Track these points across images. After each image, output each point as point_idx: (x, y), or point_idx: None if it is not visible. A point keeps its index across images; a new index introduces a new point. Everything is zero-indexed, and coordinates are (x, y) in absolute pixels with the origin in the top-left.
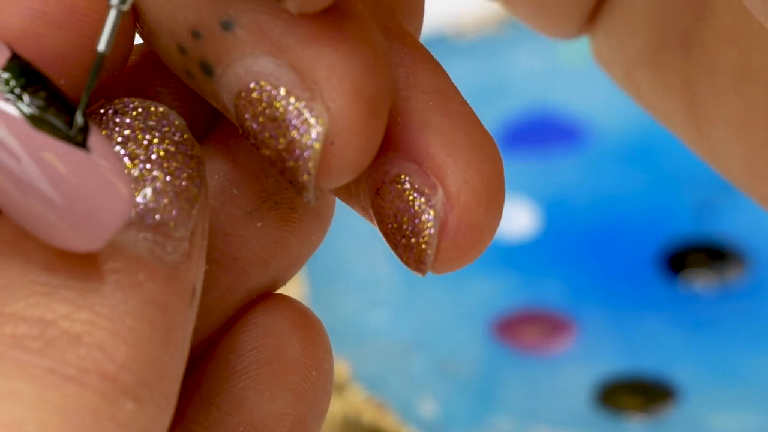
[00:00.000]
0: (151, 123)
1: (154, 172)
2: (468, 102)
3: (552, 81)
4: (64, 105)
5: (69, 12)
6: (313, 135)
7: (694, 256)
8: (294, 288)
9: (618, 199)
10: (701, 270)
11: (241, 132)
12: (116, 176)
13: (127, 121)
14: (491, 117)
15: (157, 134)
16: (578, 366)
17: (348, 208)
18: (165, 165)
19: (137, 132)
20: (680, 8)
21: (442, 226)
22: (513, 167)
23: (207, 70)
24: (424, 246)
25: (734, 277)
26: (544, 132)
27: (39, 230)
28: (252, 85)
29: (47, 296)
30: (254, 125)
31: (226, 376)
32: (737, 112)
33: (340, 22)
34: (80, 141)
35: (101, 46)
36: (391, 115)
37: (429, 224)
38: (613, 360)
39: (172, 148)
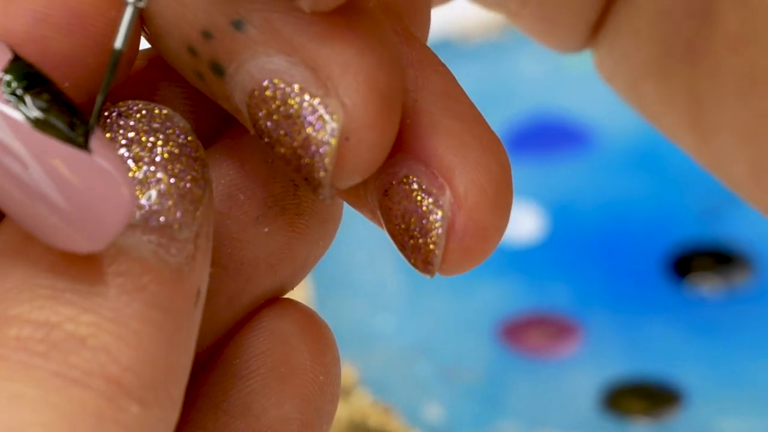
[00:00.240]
0: (155, 125)
1: (158, 175)
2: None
3: (557, 85)
4: (66, 107)
5: (73, 15)
6: (329, 131)
7: (700, 260)
8: (300, 293)
9: (624, 203)
10: (707, 274)
11: (253, 132)
12: (118, 177)
13: (131, 123)
14: (496, 121)
15: (161, 136)
16: (584, 370)
17: (353, 213)
18: (169, 167)
19: (141, 134)
20: (684, 18)
21: (449, 226)
22: (518, 171)
23: (218, 70)
24: (431, 246)
25: (740, 281)
26: (549, 136)
27: (41, 232)
28: (265, 83)
29: (52, 299)
30: (268, 123)
31: (233, 381)
32: (742, 121)
33: (353, 19)
34: (82, 143)
35: (118, 43)
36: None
37: (437, 224)
38: (619, 364)
39: (176, 150)
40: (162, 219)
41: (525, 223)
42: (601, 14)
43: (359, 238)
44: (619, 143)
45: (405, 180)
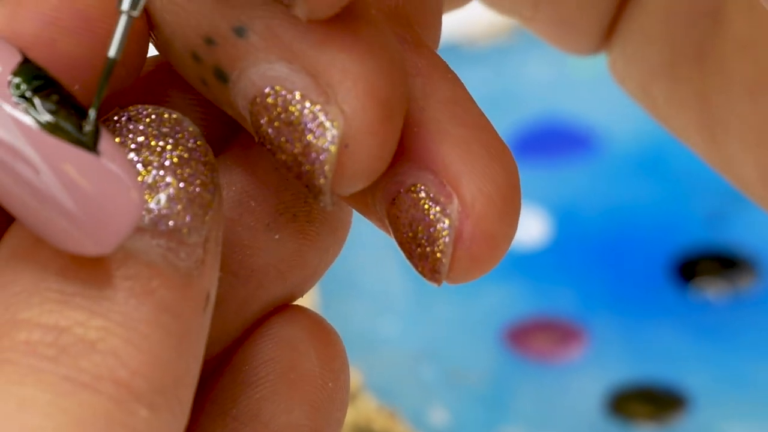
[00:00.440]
0: (165, 129)
1: (168, 179)
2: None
3: (563, 90)
4: (75, 109)
5: (82, 18)
6: (329, 138)
7: (706, 264)
8: (306, 298)
9: (629, 208)
10: (712, 278)
11: (257, 139)
12: (127, 181)
13: (141, 127)
14: (502, 125)
15: (170, 141)
16: (589, 374)
17: (359, 218)
18: (178, 171)
19: (151, 139)
20: (693, 20)
21: (457, 235)
22: (524, 176)
23: (221, 76)
24: (439, 255)
25: (745, 285)
26: (555, 141)
27: (49, 234)
28: (267, 90)
29: (61, 303)
30: (270, 130)
31: (242, 387)
32: (752, 123)
33: (354, 26)
34: (91, 145)
35: (112, 51)
36: (407, 124)
37: (444, 233)
38: (624, 368)
39: (186, 155)
40: (171, 223)
41: (530, 228)
42: (614, 17)
43: (364, 243)
44: (624, 148)
45: (413, 188)
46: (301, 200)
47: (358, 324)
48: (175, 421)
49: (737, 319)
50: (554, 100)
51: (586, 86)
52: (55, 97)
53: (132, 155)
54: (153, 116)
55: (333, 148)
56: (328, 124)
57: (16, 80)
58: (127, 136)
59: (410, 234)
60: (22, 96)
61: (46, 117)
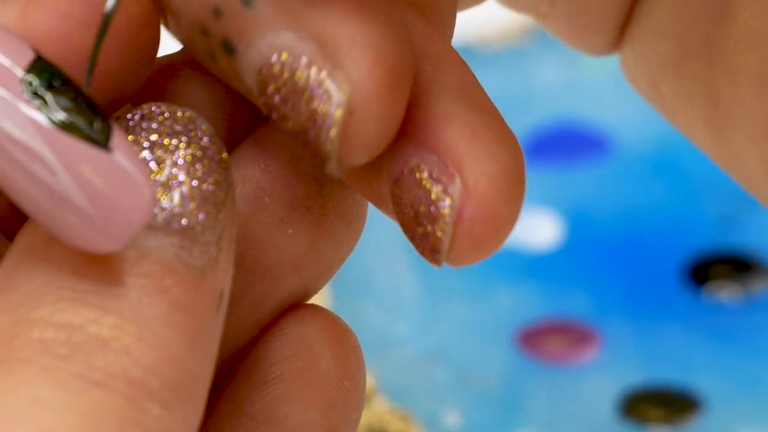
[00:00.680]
0: (178, 128)
1: (181, 177)
2: None
3: (576, 92)
4: (88, 106)
5: (96, 12)
6: (335, 103)
7: (718, 267)
8: (318, 299)
9: (642, 210)
10: (725, 281)
11: (264, 111)
12: (138, 177)
13: (154, 126)
14: (515, 128)
15: (183, 139)
16: (602, 377)
17: (371, 219)
18: (191, 170)
19: (164, 137)
20: (701, 14)
21: (458, 215)
22: (537, 178)
23: (229, 48)
24: (439, 234)
25: (758, 288)
26: (567, 143)
27: (61, 231)
28: (273, 59)
29: (74, 301)
30: (276, 98)
31: (257, 386)
32: (759, 119)
33: None
34: (104, 142)
35: (108, 4)
36: (414, 106)
37: (445, 211)
38: (637, 371)
39: (199, 153)
40: (184, 221)
41: (543, 230)
42: (627, 14)
43: (377, 244)
44: (637, 150)
45: (416, 168)
46: (315, 193)
47: (371, 326)
48: (189, 419)
49: (750, 321)
50: (567, 102)
51: (599, 89)
52: (68, 94)
53: (145, 153)
54: (166, 114)
55: (339, 113)
56: (334, 89)
57: (29, 77)
58: (140, 135)
59: (412, 214)
60: (35, 93)
61: (60, 115)
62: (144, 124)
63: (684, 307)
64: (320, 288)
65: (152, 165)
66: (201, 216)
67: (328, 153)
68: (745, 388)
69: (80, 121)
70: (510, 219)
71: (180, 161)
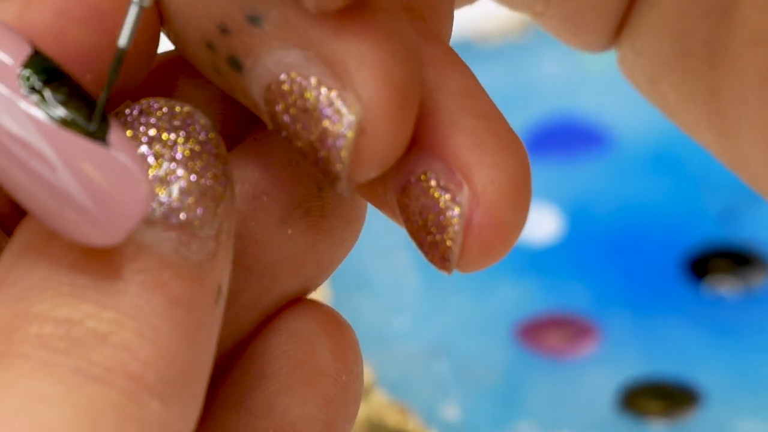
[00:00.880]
0: (177, 122)
1: (179, 172)
2: None
3: (576, 86)
4: (84, 101)
5: (93, 8)
6: (346, 123)
7: (718, 261)
8: (317, 294)
9: (642, 204)
10: (725, 275)
11: (271, 126)
12: (135, 171)
13: (152, 120)
14: (515, 122)
15: (182, 133)
16: (601, 370)
17: (371, 213)
18: (190, 164)
19: (162, 132)
20: (703, 13)
21: (467, 223)
22: (537, 172)
23: (236, 65)
24: (449, 243)
25: (758, 282)
26: (568, 138)
27: (59, 226)
28: (282, 77)
29: (73, 296)
30: (285, 117)
31: (255, 381)
32: (762, 118)
33: (369, 14)
34: (101, 137)
35: (122, 41)
36: (419, 114)
37: (454, 220)
38: (637, 365)
39: (198, 148)
40: (183, 216)
41: (543, 224)
42: (624, 12)
43: (376, 238)
44: (637, 145)
45: (423, 177)
46: (315, 194)
47: (370, 320)
48: (187, 414)
49: (749, 315)
50: (567, 97)
51: (598, 83)
52: (64, 89)
53: (144, 148)
54: (164, 109)
55: (350, 134)
56: (344, 109)
57: (26, 72)
58: (139, 129)
59: (420, 222)
60: (32, 88)
61: (58, 111)
62: (142, 119)
63: (684, 300)
64: (318, 286)
65: (151, 160)
66: (199, 210)
67: (338, 173)
68: (745, 381)
69: (78, 117)
70: (518, 224)
71: (178, 156)
